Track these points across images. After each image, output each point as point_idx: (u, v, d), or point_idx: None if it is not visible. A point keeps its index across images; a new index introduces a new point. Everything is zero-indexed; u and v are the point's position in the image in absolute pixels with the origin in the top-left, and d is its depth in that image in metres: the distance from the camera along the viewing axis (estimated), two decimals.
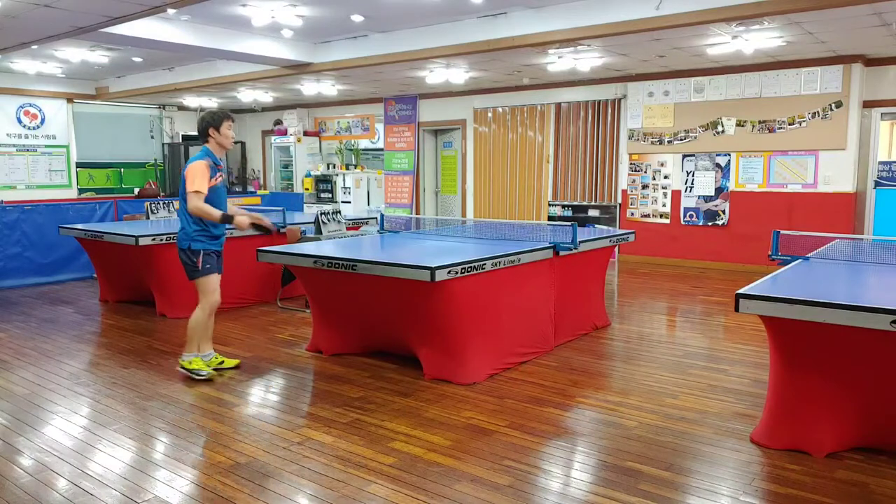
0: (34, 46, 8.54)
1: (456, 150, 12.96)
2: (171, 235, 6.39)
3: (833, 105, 8.86)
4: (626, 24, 6.91)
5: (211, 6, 7.26)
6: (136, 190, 14.16)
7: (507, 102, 11.80)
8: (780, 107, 9.21)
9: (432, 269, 4.29)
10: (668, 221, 10.32)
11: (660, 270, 9.83)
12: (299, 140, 14.23)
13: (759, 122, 9.40)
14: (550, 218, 11.05)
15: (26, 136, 13.07)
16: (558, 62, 8.93)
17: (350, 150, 14.27)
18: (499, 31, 7.75)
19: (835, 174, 8.98)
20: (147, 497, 3.16)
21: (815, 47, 8.18)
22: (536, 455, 3.62)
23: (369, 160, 14.58)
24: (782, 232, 4.82)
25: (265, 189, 14.88)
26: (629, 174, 10.62)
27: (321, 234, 7.52)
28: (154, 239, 6.57)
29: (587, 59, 8.79)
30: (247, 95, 12.83)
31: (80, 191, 13.77)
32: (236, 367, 5.15)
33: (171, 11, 7.16)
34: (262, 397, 4.62)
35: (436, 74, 9.96)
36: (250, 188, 15.25)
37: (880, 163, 9.06)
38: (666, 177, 10.29)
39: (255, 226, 4.87)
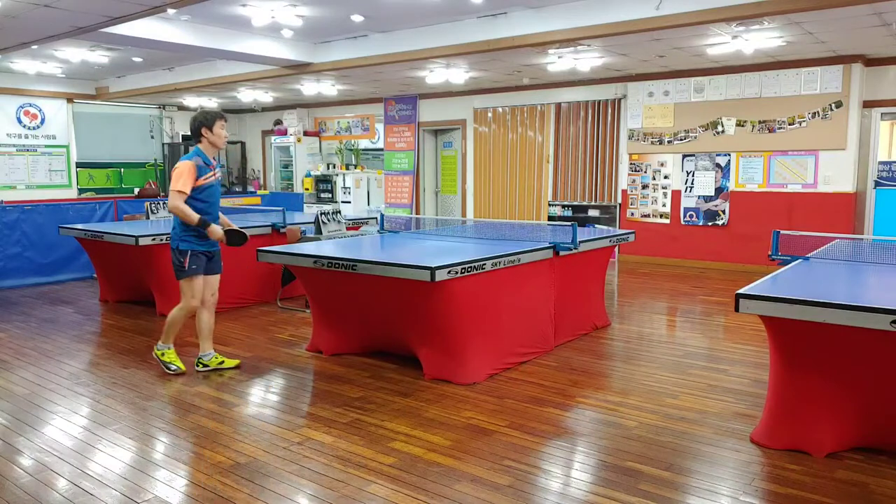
0: (34, 46, 8.54)
1: (456, 150, 12.96)
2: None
3: (833, 105, 8.86)
4: (626, 24, 6.91)
5: (211, 6, 7.26)
6: (136, 190, 14.15)
7: (507, 102, 11.80)
8: (780, 107, 9.21)
9: (432, 269, 4.29)
10: (668, 221, 10.32)
11: (660, 270, 9.83)
12: (299, 140, 14.23)
13: (759, 122, 9.40)
14: (550, 218, 11.05)
15: (26, 136, 13.06)
16: (558, 62, 8.93)
17: (350, 150, 14.27)
18: (499, 31, 7.75)
19: (835, 174, 8.98)
20: (147, 497, 3.16)
21: (815, 47, 8.18)
22: (536, 455, 3.62)
23: (369, 160, 14.58)
24: (782, 232, 4.81)
25: (265, 189, 14.88)
26: (629, 174, 10.62)
27: (321, 234, 7.52)
28: (154, 239, 6.57)
29: (587, 59, 8.78)
30: (247, 95, 12.83)
31: (80, 191, 13.77)
32: (236, 367, 5.16)
33: (171, 11, 7.16)
34: (262, 397, 4.62)
35: (436, 74, 9.96)
36: (250, 188, 15.25)
37: (880, 163, 9.06)
38: (666, 177, 10.29)
39: (228, 234, 4.91)
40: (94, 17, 6.61)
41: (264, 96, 13.02)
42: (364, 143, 14.49)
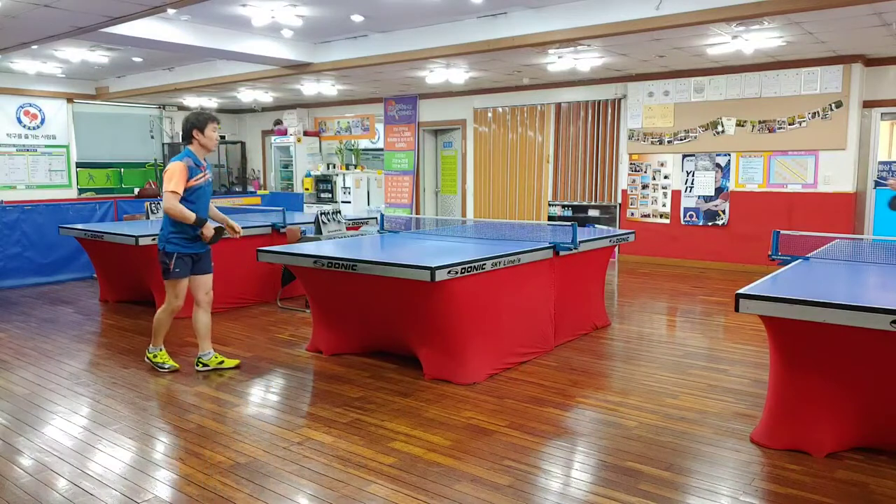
0: (34, 46, 8.54)
1: (456, 150, 12.96)
2: None
3: (833, 105, 8.86)
4: (626, 24, 6.91)
5: (211, 6, 7.26)
6: (136, 190, 14.15)
7: (507, 102, 11.80)
8: (780, 107, 9.21)
9: (432, 269, 4.29)
10: (668, 221, 10.32)
11: (660, 270, 9.83)
12: (299, 140, 14.23)
13: (759, 122, 9.40)
14: (550, 218, 11.05)
15: (26, 136, 13.06)
16: (558, 62, 8.93)
17: (350, 150, 14.27)
18: (499, 31, 7.75)
19: (835, 174, 8.98)
20: (147, 497, 3.16)
21: (815, 47, 8.18)
22: (536, 455, 3.62)
23: (369, 160, 14.58)
24: (782, 232, 4.81)
25: (265, 189, 14.88)
26: (629, 174, 10.62)
27: (321, 234, 7.52)
28: (154, 239, 6.55)
29: (587, 59, 8.78)
30: (247, 95, 12.83)
31: (80, 191, 13.76)
32: (236, 367, 5.16)
33: (171, 11, 7.16)
34: (262, 397, 4.62)
35: (436, 74, 9.96)
36: (250, 188, 15.25)
37: (880, 163, 9.06)
38: (666, 177, 10.29)
39: (217, 231, 4.94)
40: (94, 17, 6.61)
41: (264, 96, 13.02)
42: (364, 143, 14.49)
